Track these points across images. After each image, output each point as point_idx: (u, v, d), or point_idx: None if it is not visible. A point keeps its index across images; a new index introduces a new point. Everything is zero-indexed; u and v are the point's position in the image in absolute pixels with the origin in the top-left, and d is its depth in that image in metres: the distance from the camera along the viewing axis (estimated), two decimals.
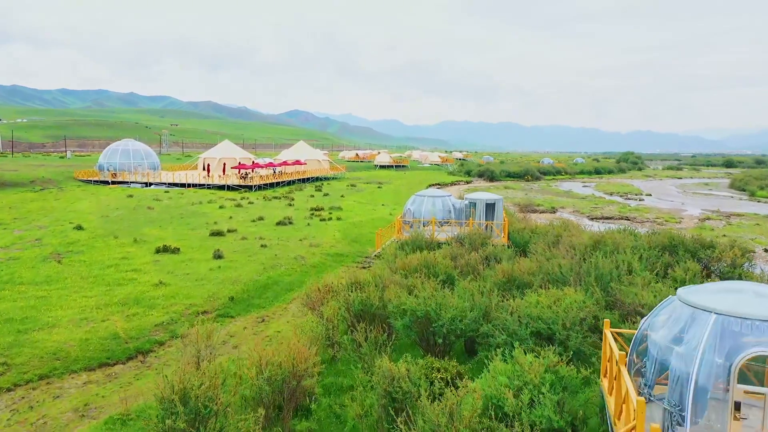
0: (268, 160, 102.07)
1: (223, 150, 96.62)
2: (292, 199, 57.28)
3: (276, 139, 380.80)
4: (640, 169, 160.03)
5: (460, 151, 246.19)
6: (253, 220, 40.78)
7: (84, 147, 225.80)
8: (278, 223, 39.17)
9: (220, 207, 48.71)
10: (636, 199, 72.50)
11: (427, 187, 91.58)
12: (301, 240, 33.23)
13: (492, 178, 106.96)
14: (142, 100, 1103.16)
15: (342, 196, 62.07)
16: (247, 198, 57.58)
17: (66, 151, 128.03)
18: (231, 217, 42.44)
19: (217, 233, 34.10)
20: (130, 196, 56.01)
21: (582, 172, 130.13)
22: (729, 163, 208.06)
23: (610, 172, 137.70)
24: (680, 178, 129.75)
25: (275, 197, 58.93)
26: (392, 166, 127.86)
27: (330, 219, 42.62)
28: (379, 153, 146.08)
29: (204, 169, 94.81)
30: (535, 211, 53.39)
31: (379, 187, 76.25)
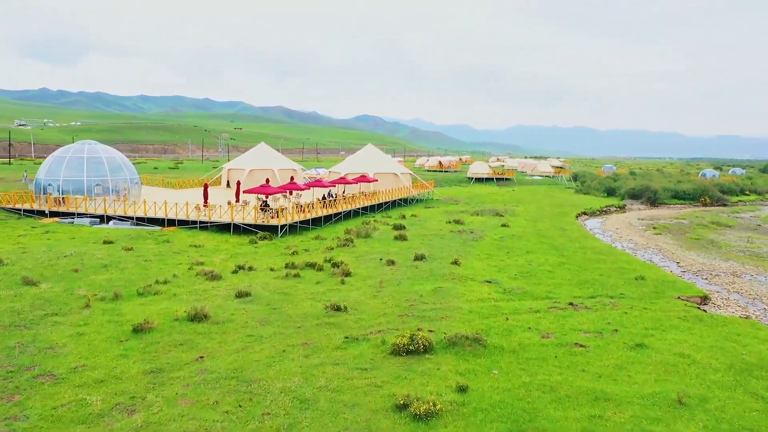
0: (320, 173, 70.29)
1: (254, 158, 65.16)
2: (347, 275, 25.14)
3: (344, 143, 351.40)
4: None
5: (557, 158, 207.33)
6: None
7: (136, 152, 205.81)
8: None
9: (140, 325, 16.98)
10: None
11: (576, 216, 54.79)
12: None
13: (653, 201, 70.96)
14: (216, 106, 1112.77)
15: (455, 262, 28.71)
16: (251, 268, 25.96)
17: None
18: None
19: None
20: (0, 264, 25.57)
21: None
22: None
23: None
24: None
25: (309, 264, 26.96)
26: (492, 179, 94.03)
27: None
28: (472, 161, 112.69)
29: (227, 185, 64.67)
30: None
31: (503, 226, 43.09)
